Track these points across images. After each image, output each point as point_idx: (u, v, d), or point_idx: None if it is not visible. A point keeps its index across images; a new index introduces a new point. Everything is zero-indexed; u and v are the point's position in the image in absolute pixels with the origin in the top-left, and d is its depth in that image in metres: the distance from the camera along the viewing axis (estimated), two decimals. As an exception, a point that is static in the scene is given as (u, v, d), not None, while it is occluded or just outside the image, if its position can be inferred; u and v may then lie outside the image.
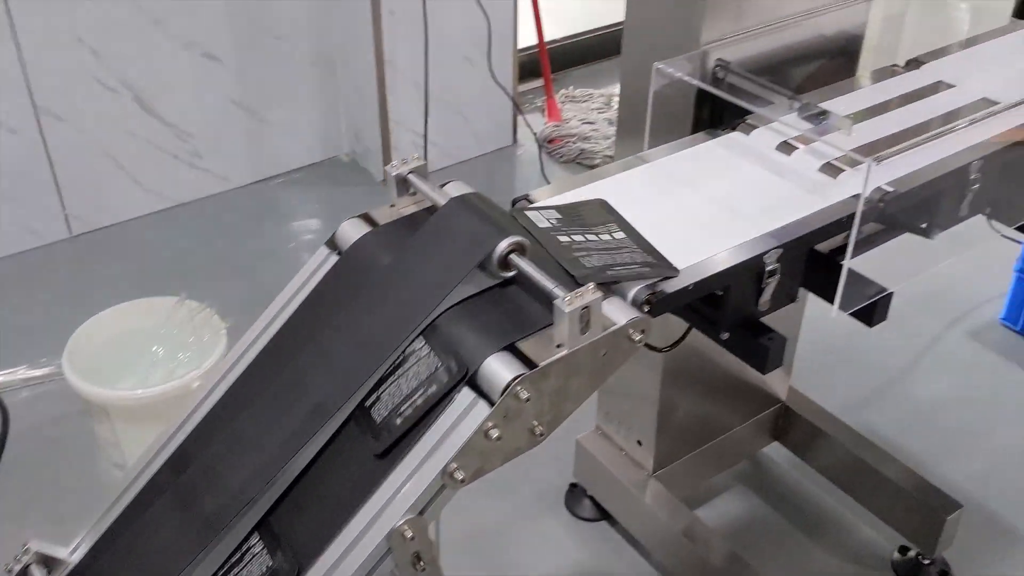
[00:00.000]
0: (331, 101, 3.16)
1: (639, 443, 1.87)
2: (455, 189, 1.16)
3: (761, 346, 1.17)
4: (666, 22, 1.45)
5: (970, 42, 1.60)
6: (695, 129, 1.44)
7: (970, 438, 2.22)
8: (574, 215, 1.13)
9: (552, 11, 3.99)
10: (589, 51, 3.84)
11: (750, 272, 1.13)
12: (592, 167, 3.22)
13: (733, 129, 1.39)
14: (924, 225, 1.32)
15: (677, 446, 1.90)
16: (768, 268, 1.13)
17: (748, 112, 1.35)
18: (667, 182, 1.28)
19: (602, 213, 1.15)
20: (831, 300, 1.24)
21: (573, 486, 2.05)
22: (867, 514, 1.95)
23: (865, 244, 1.27)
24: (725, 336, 1.18)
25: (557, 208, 1.14)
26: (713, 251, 1.11)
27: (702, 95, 1.39)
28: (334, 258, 1.12)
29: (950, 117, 1.39)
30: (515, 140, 3.38)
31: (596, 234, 1.09)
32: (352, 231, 1.12)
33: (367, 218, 1.13)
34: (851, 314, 1.27)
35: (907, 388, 2.35)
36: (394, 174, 1.13)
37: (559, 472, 2.06)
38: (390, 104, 2.96)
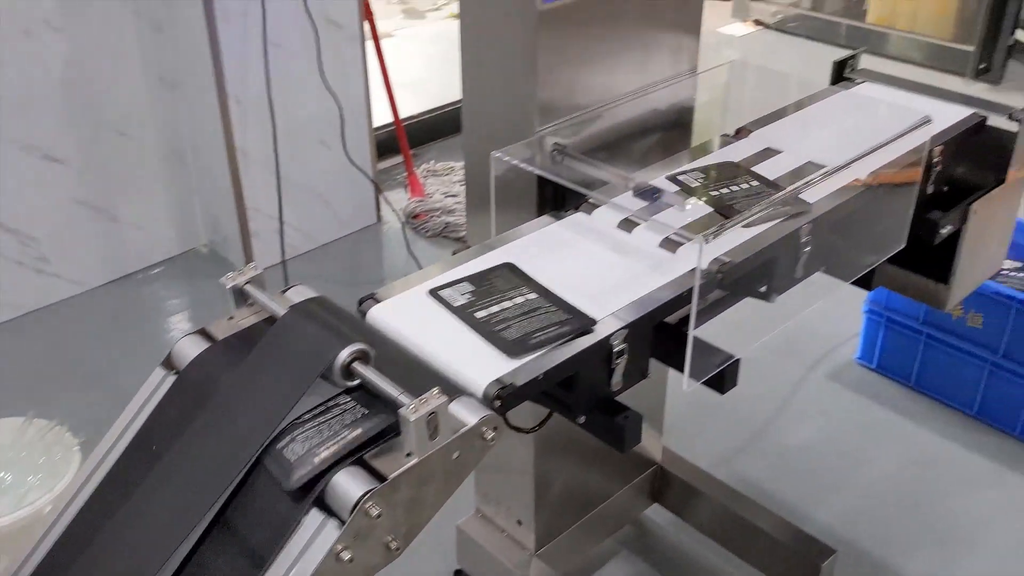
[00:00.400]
0: (185, 193, 3.09)
1: (519, 523, 1.85)
2: (297, 295, 1.13)
3: (617, 426, 1.18)
4: (501, 108, 1.47)
5: (793, 107, 1.68)
6: (541, 208, 1.46)
7: (839, 479, 2.29)
8: (485, 283, 1.20)
9: (412, 85, 4.04)
10: (448, 125, 3.88)
11: (598, 355, 1.14)
12: (459, 239, 3.23)
13: (577, 209, 1.41)
14: (763, 289, 1.36)
15: (558, 521, 1.89)
16: (616, 349, 1.15)
17: (589, 191, 1.38)
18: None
19: (512, 278, 1.22)
20: (682, 369, 1.26)
21: (458, 572, 2.01)
22: (748, 567, 1.98)
23: (709, 312, 1.30)
24: (581, 420, 1.19)
25: (468, 280, 1.21)
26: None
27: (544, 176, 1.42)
28: (172, 378, 1.07)
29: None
30: (379, 218, 3.37)
31: (511, 299, 1.17)
32: (189, 348, 1.07)
33: (204, 333, 1.09)
34: (703, 383, 1.29)
35: (775, 435, 2.41)
36: (229, 286, 1.10)
37: (443, 559, 2.02)
38: (246, 192, 2.91)
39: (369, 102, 3.15)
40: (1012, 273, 2.42)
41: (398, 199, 3.46)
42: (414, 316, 1.15)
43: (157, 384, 1.08)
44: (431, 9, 5.84)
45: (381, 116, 3.40)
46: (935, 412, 2.47)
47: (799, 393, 2.55)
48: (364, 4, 3.02)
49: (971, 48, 4.22)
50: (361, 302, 1.17)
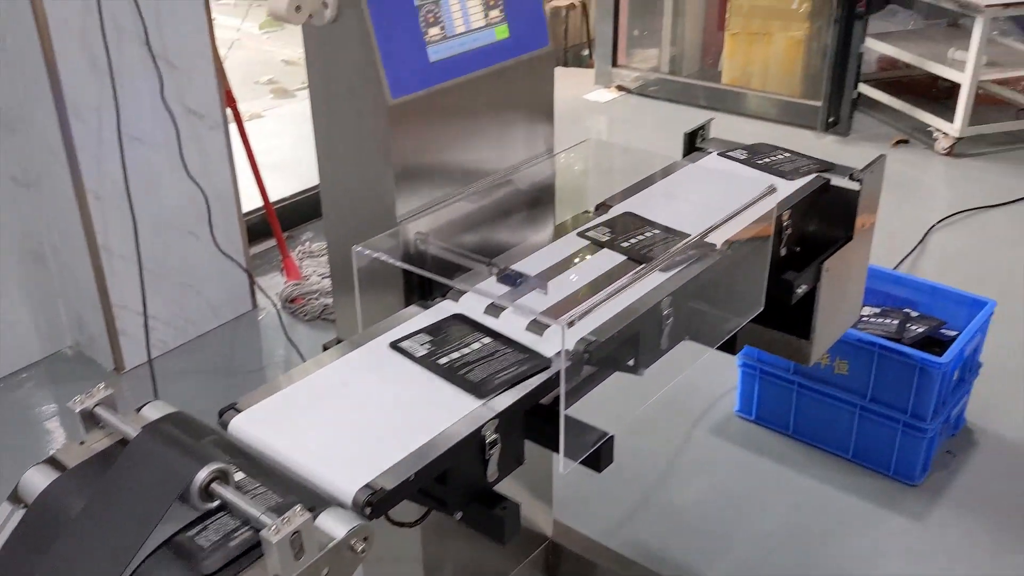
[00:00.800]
0: (46, 294, 2.95)
1: (412, 613, 1.81)
2: (153, 411, 1.09)
3: (495, 518, 1.17)
4: (360, 200, 1.47)
5: (648, 181, 1.73)
6: (408, 295, 1.46)
7: (730, 533, 2.32)
8: (442, 334, 1.28)
9: (284, 166, 4.00)
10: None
11: (470, 447, 1.13)
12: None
13: (444, 296, 1.41)
14: (632, 363, 1.38)
15: (452, 608, 1.85)
16: (488, 440, 1.14)
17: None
18: (383, 364, 1.26)
19: (463, 327, 1.30)
20: (557, 450, 1.26)
21: (353, 671, 1.93)
22: (647, 634, 1.98)
23: (580, 390, 1.31)
24: (459, 516, 1.17)
25: (425, 331, 1.29)
26: (433, 432, 1.11)
27: (409, 265, 1.41)
28: (20, 513, 1.01)
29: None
30: (255, 305, 3.29)
31: (468, 345, 1.25)
32: (37, 479, 1.01)
33: (54, 462, 1.03)
34: (580, 462, 1.30)
35: (665, 495, 2.44)
36: (78, 410, 1.05)
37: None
38: (111, 289, 2.81)
39: (237, 188, 3.10)
40: (872, 319, 2.53)
41: (274, 283, 3.40)
42: (279, 424, 1.12)
43: (4, 520, 1.01)
44: (300, 88, 5.83)
45: (252, 200, 3.35)
46: (814, 458, 2.54)
47: (685, 450, 2.59)
48: (226, 91, 2.99)
49: (819, 103, 4.46)
50: (221, 414, 1.13)
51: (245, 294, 3.26)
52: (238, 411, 1.14)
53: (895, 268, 3.31)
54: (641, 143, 4.47)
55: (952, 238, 3.59)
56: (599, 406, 1.37)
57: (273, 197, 3.42)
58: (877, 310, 2.57)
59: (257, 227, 3.46)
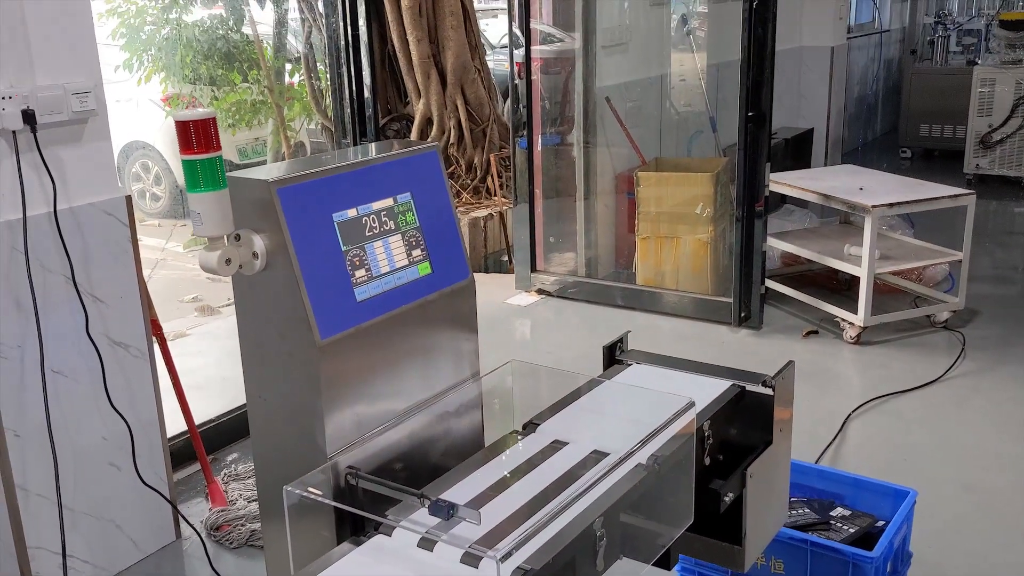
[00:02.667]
0: (-46, 539, 2.81)
1: None
2: None
3: None
4: (290, 431, 1.48)
5: (571, 397, 1.78)
6: (340, 531, 1.45)
7: None
8: None
9: (209, 386, 3.97)
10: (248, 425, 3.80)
11: None
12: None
13: (377, 530, 1.41)
14: (570, 588, 1.38)
15: None
16: None
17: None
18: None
19: None
20: None
21: None
22: None
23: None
24: None
25: None
26: None
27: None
28: None
29: (568, 478, 1.51)
30: (179, 535, 3.18)
31: None
32: None
33: None
34: None
35: None
36: None
37: None
38: (27, 531, 2.69)
39: (162, 417, 3.06)
40: (795, 514, 2.57)
41: (199, 510, 3.30)
42: None
43: None
44: (225, 304, 5.87)
45: (177, 422, 3.30)
46: (761, 663, 2.49)
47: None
48: (152, 320, 3.01)
49: (730, 300, 4.67)
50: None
51: (168, 524, 3.15)
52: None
53: (817, 460, 3.38)
54: (563, 343, 4.59)
55: (869, 425, 3.70)
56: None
57: (199, 419, 3.38)
58: (804, 498, 2.62)
59: (182, 450, 3.39)
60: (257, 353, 1.49)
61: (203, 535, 3.15)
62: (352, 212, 1.47)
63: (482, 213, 6.01)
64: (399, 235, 1.52)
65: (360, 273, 1.45)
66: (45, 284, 2.62)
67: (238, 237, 1.40)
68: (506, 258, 6.03)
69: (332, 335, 1.40)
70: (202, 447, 3.36)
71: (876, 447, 3.54)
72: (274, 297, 1.41)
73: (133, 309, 2.90)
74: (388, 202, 1.52)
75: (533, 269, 5.38)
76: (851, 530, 2.52)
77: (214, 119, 1.39)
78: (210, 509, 3.30)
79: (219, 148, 1.39)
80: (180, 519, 3.18)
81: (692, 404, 1.56)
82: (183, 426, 3.36)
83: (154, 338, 3.05)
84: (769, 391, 1.84)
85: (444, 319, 1.64)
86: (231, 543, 3.15)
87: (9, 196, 2.52)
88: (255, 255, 1.36)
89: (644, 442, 1.50)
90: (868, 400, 3.86)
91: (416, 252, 1.54)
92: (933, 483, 3.19)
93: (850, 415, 3.74)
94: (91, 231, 2.73)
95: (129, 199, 2.86)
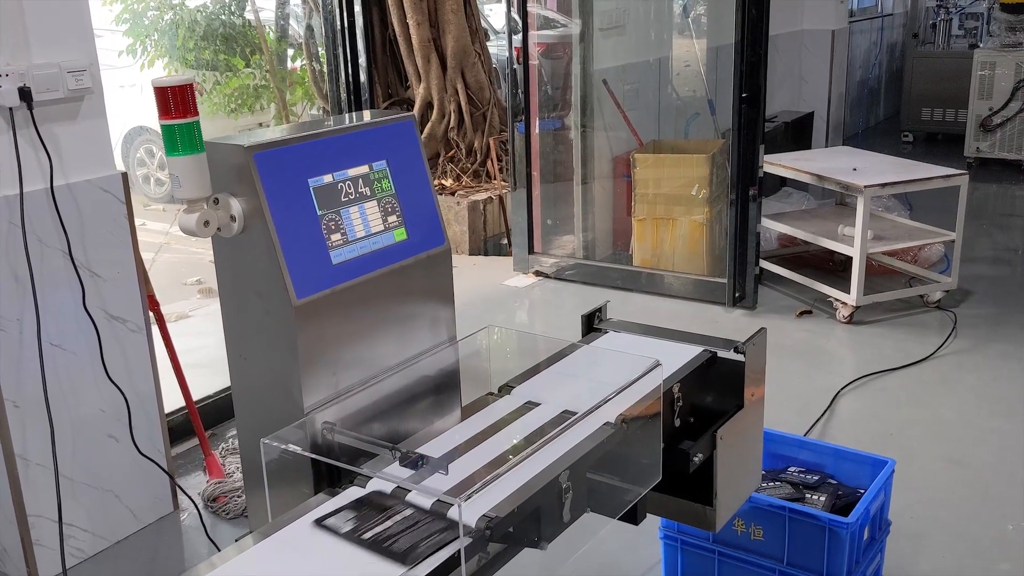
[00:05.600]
0: (-42, 508, 2.89)
1: None
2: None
3: None
4: (271, 392, 1.54)
5: (549, 361, 1.84)
6: (317, 483, 1.51)
7: None
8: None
9: (210, 364, 4.03)
10: (246, 400, 3.86)
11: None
12: (262, 518, 3.15)
13: (352, 482, 1.46)
14: (536, 538, 1.44)
15: None
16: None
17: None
18: (303, 544, 1.30)
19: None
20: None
21: None
22: None
23: (489, 569, 1.36)
24: None
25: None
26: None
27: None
28: None
29: (537, 435, 1.57)
30: (176, 506, 3.25)
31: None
32: None
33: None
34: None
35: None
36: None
37: None
38: (27, 499, 2.76)
39: (159, 390, 3.13)
40: (771, 484, 2.62)
41: (197, 483, 3.37)
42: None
43: None
44: (227, 287, 5.93)
45: (177, 399, 3.36)
46: (741, 628, 2.54)
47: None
48: (148, 296, 3.07)
49: (725, 280, 4.71)
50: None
51: (166, 496, 3.22)
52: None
53: (806, 433, 3.43)
54: (559, 323, 4.64)
55: (857, 401, 3.75)
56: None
57: (199, 395, 3.44)
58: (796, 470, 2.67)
59: (181, 426, 3.46)
60: (237, 314, 1.54)
61: (200, 506, 3.22)
62: (328, 178, 1.52)
63: (482, 196, 6.06)
64: (375, 201, 1.57)
65: (336, 237, 1.50)
66: (43, 258, 2.69)
67: (216, 200, 1.45)
68: (506, 241, 6.07)
69: (308, 295, 1.45)
70: (199, 420, 3.42)
71: (864, 422, 3.58)
72: (252, 259, 1.47)
73: (130, 284, 2.96)
74: (364, 169, 1.57)
75: (531, 251, 5.43)
76: (829, 500, 2.56)
77: (191, 85, 1.44)
78: (207, 481, 3.37)
79: (196, 113, 1.44)
80: (178, 490, 3.25)
81: (658, 364, 1.61)
82: (183, 403, 3.43)
83: (151, 314, 3.11)
84: (740, 356, 1.89)
85: (420, 284, 1.69)
86: (228, 514, 3.22)
87: (6, 172, 2.58)
88: (232, 218, 1.41)
89: (608, 400, 1.56)
90: (858, 377, 3.90)
91: (392, 218, 1.60)
92: (918, 457, 3.24)
93: (840, 392, 3.78)
94: (87, 207, 2.79)
95: (125, 176, 2.91)
